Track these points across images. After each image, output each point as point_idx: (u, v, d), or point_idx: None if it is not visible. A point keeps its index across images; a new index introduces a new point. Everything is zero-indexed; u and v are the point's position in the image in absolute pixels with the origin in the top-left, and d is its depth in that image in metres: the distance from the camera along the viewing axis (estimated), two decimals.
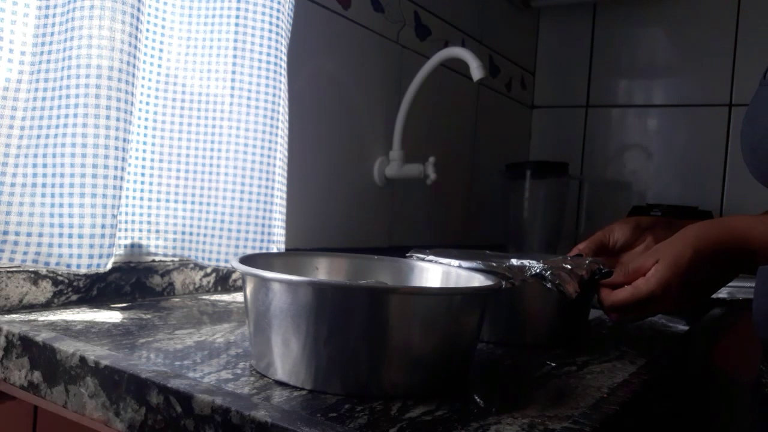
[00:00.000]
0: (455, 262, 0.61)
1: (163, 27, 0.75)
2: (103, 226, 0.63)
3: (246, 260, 0.51)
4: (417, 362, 0.44)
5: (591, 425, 0.41)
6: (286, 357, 0.45)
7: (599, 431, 0.41)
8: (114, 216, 0.64)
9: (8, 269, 0.62)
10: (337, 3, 1.07)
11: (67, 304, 0.67)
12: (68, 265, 0.61)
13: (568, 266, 0.63)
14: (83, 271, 0.62)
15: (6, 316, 0.60)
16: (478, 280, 0.55)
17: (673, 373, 0.64)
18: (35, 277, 0.64)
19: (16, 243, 0.61)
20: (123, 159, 0.64)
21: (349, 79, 1.12)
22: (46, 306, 0.65)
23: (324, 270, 0.62)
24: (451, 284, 0.59)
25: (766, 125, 0.59)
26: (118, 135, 0.63)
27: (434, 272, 0.61)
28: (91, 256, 0.62)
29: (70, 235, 0.61)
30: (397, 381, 0.44)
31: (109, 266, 0.64)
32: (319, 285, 0.45)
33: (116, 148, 0.63)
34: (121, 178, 0.64)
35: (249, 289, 0.48)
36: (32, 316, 0.61)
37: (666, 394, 0.61)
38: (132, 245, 0.76)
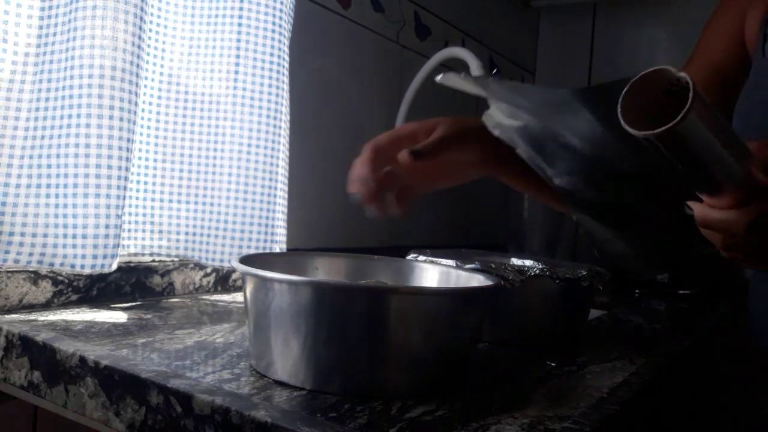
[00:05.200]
0: (455, 263, 0.61)
1: (165, 27, 0.75)
2: (107, 227, 0.63)
3: (246, 260, 0.51)
4: (417, 362, 0.44)
5: (591, 425, 0.41)
6: (286, 357, 0.45)
7: (599, 431, 0.41)
8: (118, 216, 0.64)
9: (8, 269, 0.62)
10: (337, 3, 1.07)
11: (67, 304, 0.67)
12: (72, 266, 0.61)
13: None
14: (87, 271, 0.62)
15: (6, 316, 0.60)
16: (478, 280, 0.55)
17: (673, 373, 0.64)
18: (35, 277, 0.64)
19: (21, 244, 0.61)
20: (127, 159, 0.64)
21: (349, 79, 1.12)
22: (46, 306, 0.66)
23: (324, 270, 0.62)
24: (451, 284, 0.59)
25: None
26: (122, 135, 0.63)
27: (434, 272, 0.61)
28: (95, 257, 0.62)
29: (75, 236, 0.61)
30: (397, 381, 0.44)
31: (114, 266, 0.64)
32: (319, 285, 0.45)
33: (120, 149, 0.63)
34: (126, 179, 0.64)
35: (249, 289, 0.48)
36: (32, 316, 0.61)
37: (666, 394, 0.61)
38: (135, 246, 0.76)
